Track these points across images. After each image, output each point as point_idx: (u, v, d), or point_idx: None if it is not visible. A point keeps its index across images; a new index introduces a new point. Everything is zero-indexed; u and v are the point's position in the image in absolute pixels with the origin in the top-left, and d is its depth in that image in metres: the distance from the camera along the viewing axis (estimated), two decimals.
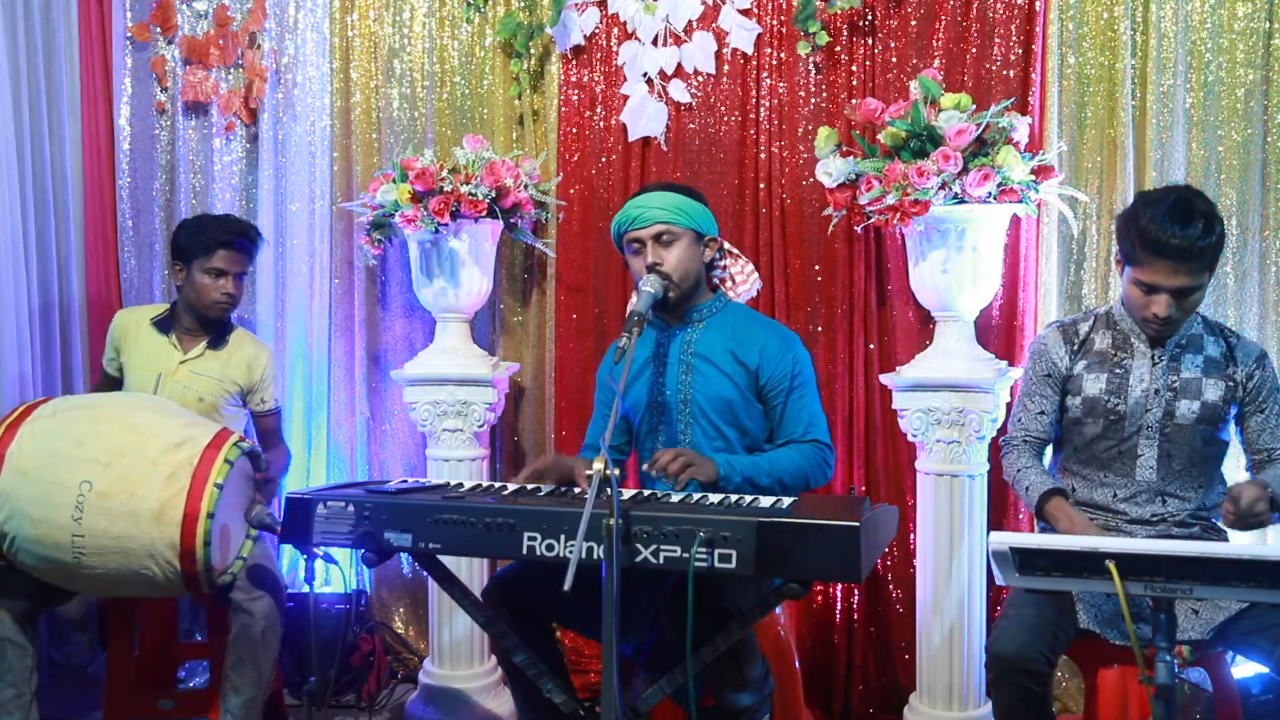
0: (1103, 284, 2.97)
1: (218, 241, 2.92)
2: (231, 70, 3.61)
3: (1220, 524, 2.31)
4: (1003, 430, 2.62)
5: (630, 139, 3.26)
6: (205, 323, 3.00)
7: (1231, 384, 2.25)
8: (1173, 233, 2.07)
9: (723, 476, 2.24)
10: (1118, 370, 2.29)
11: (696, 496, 2.06)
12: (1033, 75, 2.97)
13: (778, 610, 2.46)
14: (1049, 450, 2.46)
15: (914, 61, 3.03)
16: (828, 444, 2.41)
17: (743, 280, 2.60)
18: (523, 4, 3.33)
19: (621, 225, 2.46)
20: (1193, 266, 2.10)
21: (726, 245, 2.61)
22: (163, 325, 3.00)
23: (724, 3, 3.17)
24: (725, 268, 2.59)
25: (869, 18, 3.07)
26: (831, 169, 2.78)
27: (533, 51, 3.35)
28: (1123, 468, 2.28)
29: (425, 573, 2.29)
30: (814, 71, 3.12)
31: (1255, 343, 2.33)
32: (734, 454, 2.36)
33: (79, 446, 2.37)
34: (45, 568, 2.38)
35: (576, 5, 3.27)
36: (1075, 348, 2.35)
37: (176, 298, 3.04)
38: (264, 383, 3.06)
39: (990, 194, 2.61)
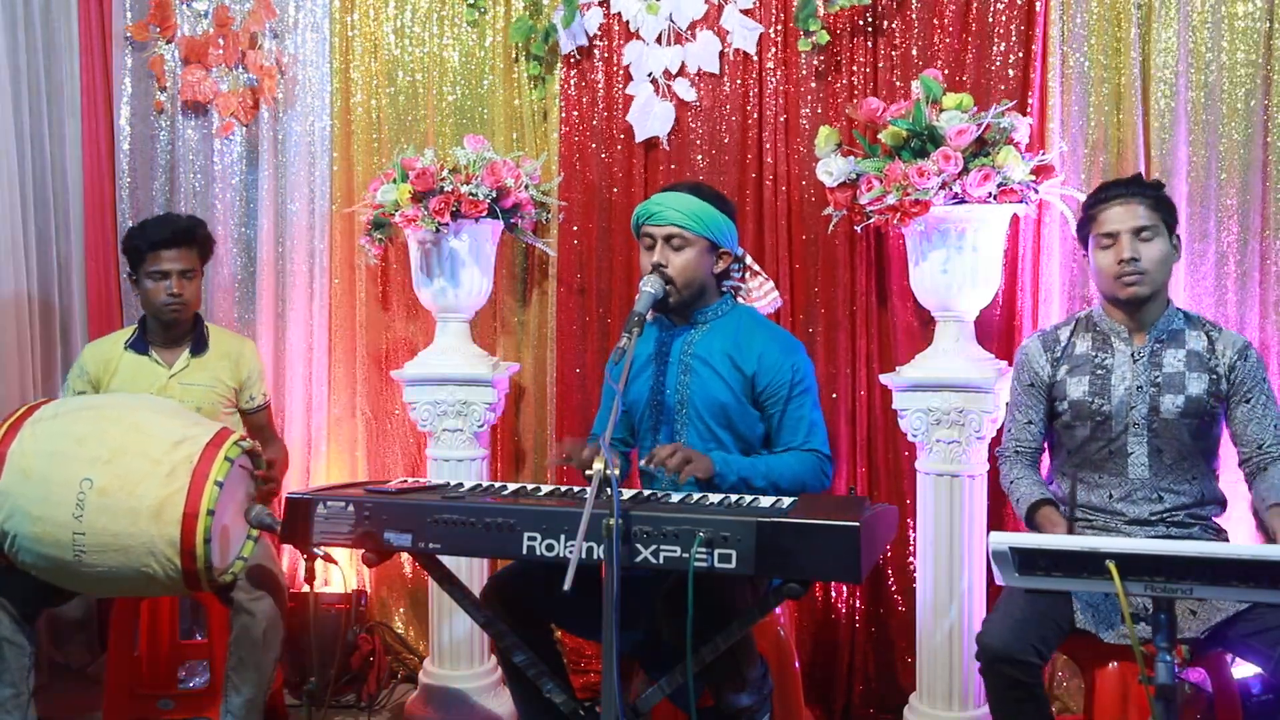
0: None
1: (151, 242, 2.82)
2: (231, 70, 3.61)
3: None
4: (1001, 433, 2.63)
5: (637, 139, 3.25)
6: (169, 329, 2.91)
7: (1214, 376, 2.26)
8: (1114, 183, 2.35)
9: (718, 474, 2.23)
10: (1099, 371, 2.30)
11: (696, 496, 2.06)
12: (1033, 75, 2.96)
13: (777, 610, 2.46)
14: (1045, 457, 2.48)
15: (915, 62, 3.02)
16: (827, 455, 2.39)
17: (760, 297, 2.58)
18: (525, 7, 3.32)
19: (639, 217, 2.45)
20: (1143, 202, 2.26)
21: (749, 261, 2.59)
22: (138, 346, 2.91)
23: (727, 2, 3.17)
24: (742, 280, 2.58)
25: (869, 18, 3.07)
26: (832, 168, 2.78)
27: (545, 54, 3.33)
28: (1115, 467, 2.28)
29: (425, 573, 2.29)
30: (814, 73, 3.12)
31: (1237, 334, 2.34)
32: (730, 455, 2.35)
33: (79, 445, 2.37)
34: (46, 566, 2.38)
35: (580, 5, 3.26)
36: (1057, 355, 2.38)
37: (143, 312, 2.97)
38: (252, 378, 3.02)
39: (990, 194, 2.61)
